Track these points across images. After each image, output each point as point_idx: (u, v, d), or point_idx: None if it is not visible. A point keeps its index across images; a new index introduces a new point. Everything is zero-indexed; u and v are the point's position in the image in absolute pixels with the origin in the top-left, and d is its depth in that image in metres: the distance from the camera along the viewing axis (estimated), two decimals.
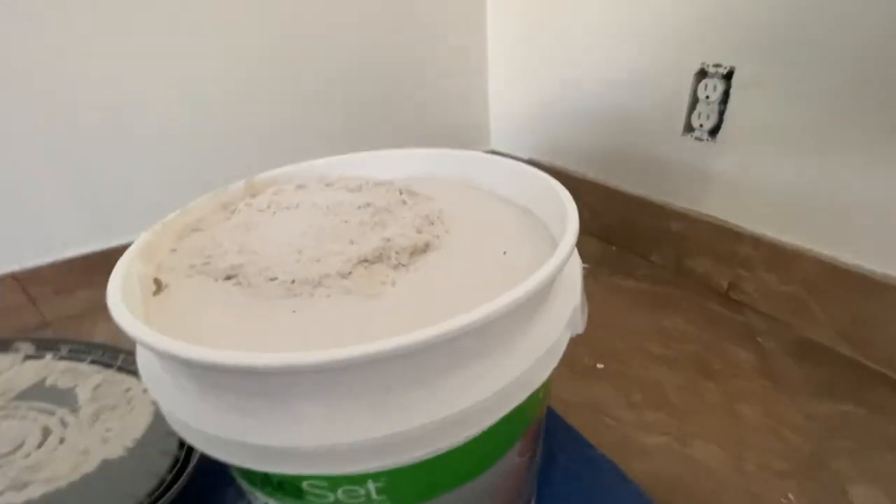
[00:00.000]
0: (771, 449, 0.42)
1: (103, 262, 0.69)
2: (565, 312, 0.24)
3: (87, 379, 0.40)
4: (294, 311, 0.24)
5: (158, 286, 0.27)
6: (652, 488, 0.39)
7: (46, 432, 0.36)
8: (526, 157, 0.94)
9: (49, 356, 0.42)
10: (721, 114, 0.58)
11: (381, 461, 0.19)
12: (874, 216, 0.48)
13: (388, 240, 0.28)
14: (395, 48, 0.84)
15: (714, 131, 0.59)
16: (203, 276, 0.28)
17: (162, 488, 0.32)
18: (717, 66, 0.56)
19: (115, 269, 0.26)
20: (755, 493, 0.39)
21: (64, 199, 0.65)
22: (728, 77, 0.56)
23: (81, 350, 0.43)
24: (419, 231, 0.30)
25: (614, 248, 0.78)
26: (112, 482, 0.33)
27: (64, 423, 0.37)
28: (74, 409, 0.38)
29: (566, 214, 0.26)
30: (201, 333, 0.23)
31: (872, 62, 0.45)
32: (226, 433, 0.19)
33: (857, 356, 0.51)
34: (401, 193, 0.36)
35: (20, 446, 0.34)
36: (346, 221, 0.32)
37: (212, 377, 0.19)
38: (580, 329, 0.26)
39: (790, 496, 0.38)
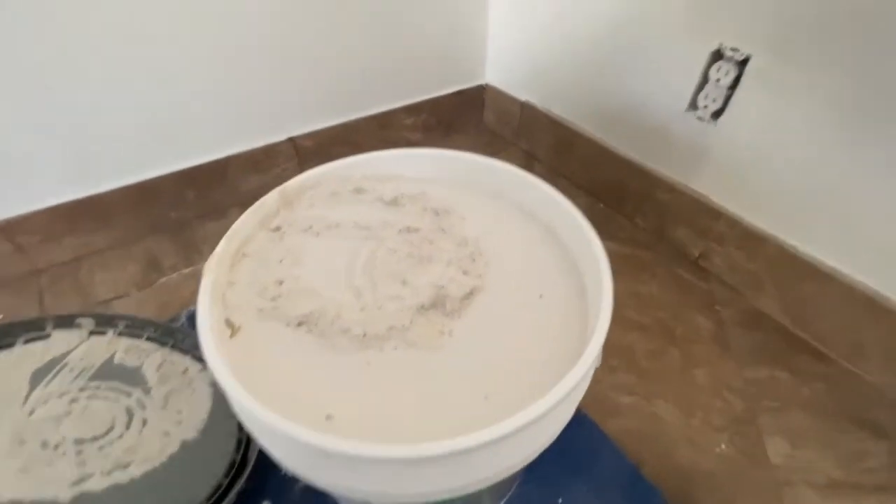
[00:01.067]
0: (714, 407, 0.53)
1: (87, 208, 0.67)
2: (595, 356, 0.27)
3: (148, 357, 0.45)
4: (369, 363, 0.28)
5: (232, 328, 0.30)
6: (623, 440, 0.49)
7: (130, 413, 0.41)
8: (522, 98, 0.91)
9: (110, 332, 0.46)
10: (727, 99, 0.59)
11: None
12: (840, 214, 0.54)
13: (442, 287, 0.32)
14: None
15: (717, 114, 0.61)
16: (274, 320, 0.30)
17: (234, 469, 0.38)
18: (735, 50, 0.56)
19: (199, 322, 0.28)
20: (698, 443, 0.50)
21: (44, 146, 0.61)
22: (743, 64, 0.56)
23: (137, 326, 0.47)
24: (465, 272, 0.33)
25: (601, 205, 0.82)
26: (194, 462, 0.39)
27: (142, 405, 0.42)
28: (147, 390, 0.43)
29: (601, 285, 0.29)
30: (290, 388, 0.27)
31: (880, 72, 0.47)
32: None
33: (794, 328, 0.62)
34: (437, 215, 0.38)
35: (112, 427, 0.40)
36: (392, 251, 0.35)
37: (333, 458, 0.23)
38: (600, 362, 0.32)
39: (722, 446, 0.50)
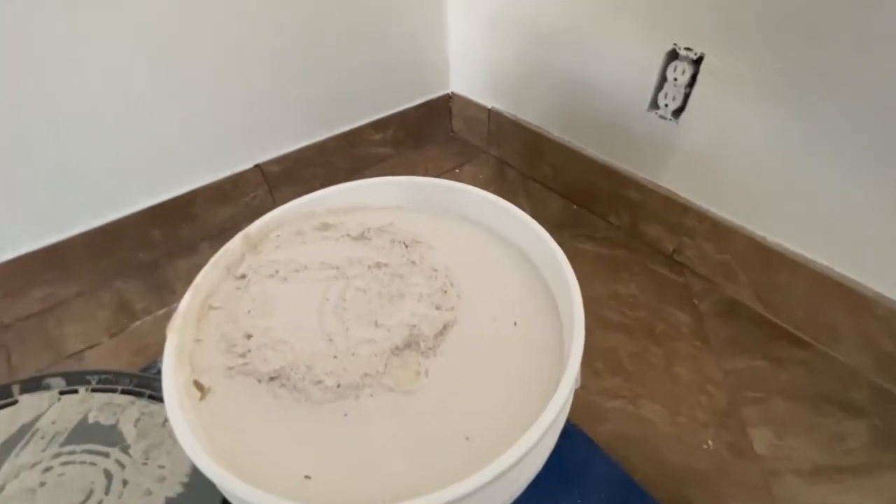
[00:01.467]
0: (698, 403, 0.54)
1: (49, 257, 0.65)
2: (574, 378, 0.27)
3: (124, 412, 0.44)
4: (346, 415, 0.28)
5: (201, 390, 0.29)
6: (613, 447, 0.50)
7: (108, 476, 0.40)
8: (489, 105, 0.91)
9: (82, 390, 0.45)
10: (686, 97, 0.60)
11: None
12: (803, 202, 0.56)
13: (414, 326, 0.31)
14: None
15: (678, 112, 0.62)
16: (245, 376, 0.30)
17: None
18: (689, 49, 0.57)
19: (165, 389, 0.27)
20: (686, 441, 0.51)
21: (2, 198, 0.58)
22: (697, 62, 0.57)
23: (110, 380, 0.46)
24: (438, 307, 0.33)
25: (575, 206, 0.83)
26: None
27: (121, 465, 0.41)
28: (125, 448, 0.42)
29: (573, 318, 0.29)
30: (266, 448, 0.26)
31: (826, 66, 0.48)
32: None
33: (768, 314, 0.63)
34: (406, 247, 0.37)
35: (91, 493, 0.39)
36: (362, 290, 0.34)
37: None
38: (579, 383, 0.32)
39: (710, 442, 0.51)
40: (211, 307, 0.33)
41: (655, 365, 0.59)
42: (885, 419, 0.52)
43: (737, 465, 0.49)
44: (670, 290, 0.68)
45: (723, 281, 0.67)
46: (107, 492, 0.39)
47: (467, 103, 0.96)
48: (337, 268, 0.36)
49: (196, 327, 0.32)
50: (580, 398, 0.55)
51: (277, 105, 0.76)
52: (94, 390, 0.46)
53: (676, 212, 0.68)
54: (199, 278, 0.34)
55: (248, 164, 0.78)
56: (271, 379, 0.29)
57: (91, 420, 0.44)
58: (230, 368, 0.30)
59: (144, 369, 0.56)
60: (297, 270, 0.36)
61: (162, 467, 0.41)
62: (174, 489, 0.40)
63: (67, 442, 0.42)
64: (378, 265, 0.36)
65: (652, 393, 0.56)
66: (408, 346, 0.31)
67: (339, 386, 0.28)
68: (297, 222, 0.40)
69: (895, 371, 0.55)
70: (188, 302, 0.32)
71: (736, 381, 0.57)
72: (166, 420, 0.45)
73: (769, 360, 0.59)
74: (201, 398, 0.29)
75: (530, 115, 0.86)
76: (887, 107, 0.46)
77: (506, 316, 0.33)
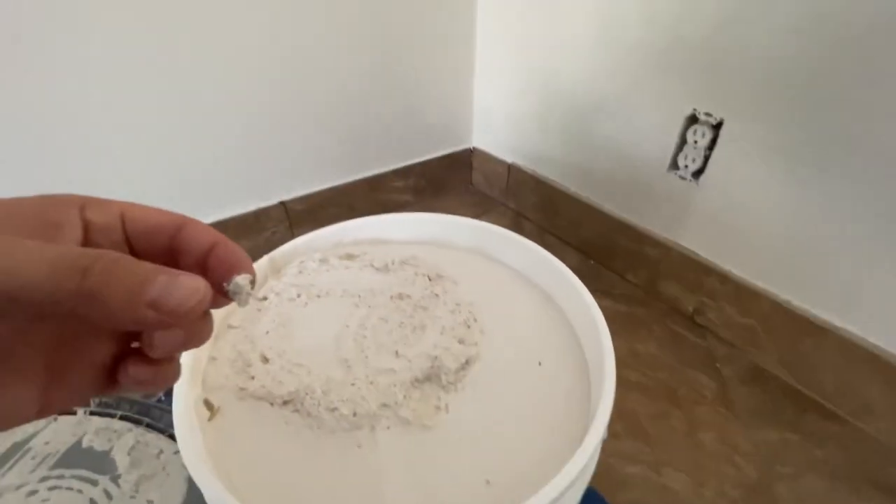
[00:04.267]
0: (726, 475, 0.50)
1: None
2: (604, 426, 0.26)
3: (120, 439, 0.42)
4: (360, 447, 0.26)
5: (211, 410, 0.28)
6: None
7: None
8: (509, 160, 0.94)
9: (80, 411, 0.43)
10: (706, 159, 0.61)
11: None
12: (828, 268, 0.55)
13: (436, 358, 0.30)
14: (385, 50, 0.80)
15: (698, 173, 0.63)
16: (257, 399, 0.28)
17: None
18: (708, 115, 0.59)
19: (175, 405, 0.26)
20: None
21: None
22: (717, 127, 0.59)
23: (110, 404, 0.44)
24: (461, 341, 0.32)
25: (592, 261, 0.83)
26: None
27: (108, 495, 0.38)
28: (115, 478, 0.39)
29: (603, 361, 0.28)
30: (271, 475, 0.25)
31: (840, 134, 0.49)
32: None
33: (796, 384, 0.60)
34: (430, 280, 0.37)
35: None
36: (384, 319, 0.33)
37: None
38: (606, 435, 0.30)
39: None
40: (229, 326, 0.33)
41: (678, 430, 0.55)
42: None
43: None
44: (691, 351, 0.66)
45: (748, 346, 0.65)
46: None
47: (487, 158, 1.00)
48: (359, 296, 0.36)
49: (212, 345, 0.31)
50: (598, 460, 0.51)
51: (307, 148, 0.80)
52: (92, 413, 0.44)
53: (697, 272, 0.67)
54: None
55: (274, 201, 0.80)
56: (284, 403, 0.28)
57: (85, 444, 0.42)
58: (242, 389, 0.29)
59: (146, 395, 0.54)
60: (319, 296, 0.36)
61: (150, 502, 0.39)
62: None
63: (58, 465, 0.39)
64: (401, 296, 0.35)
65: (675, 460, 0.52)
66: (428, 378, 0.30)
67: (354, 414, 0.27)
68: (322, 250, 0.40)
69: None
70: None
71: (766, 453, 0.53)
72: (161, 452, 0.43)
73: (801, 434, 0.55)
74: (210, 418, 0.28)
75: (549, 171, 0.88)
76: None
77: (530, 355, 0.32)
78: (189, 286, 0.12)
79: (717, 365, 0.64)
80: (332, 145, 0.83)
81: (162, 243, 0.16)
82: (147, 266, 0.12)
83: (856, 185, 0.50)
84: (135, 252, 0.16)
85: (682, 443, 0.54)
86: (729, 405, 0.58)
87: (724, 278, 0.64)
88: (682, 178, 0.65)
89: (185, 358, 0.29)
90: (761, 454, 0.53)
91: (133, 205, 0.16)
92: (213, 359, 0.31)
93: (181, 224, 0.16)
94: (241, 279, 0.15)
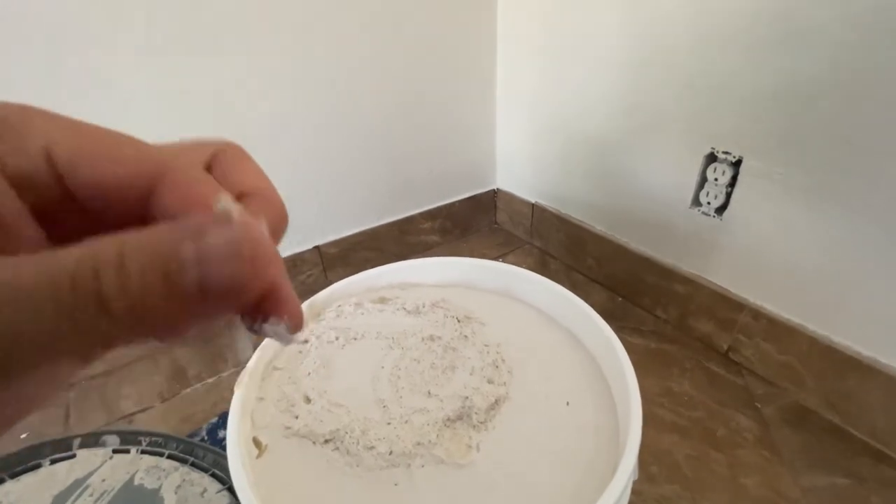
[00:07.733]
0: None
1: None
2: (632, 464, 0.26)
3: (168, 478, 0.45)
4: (396, 484, 0.28)
5: (259, 447, 0.30)
6: None
7: None
8: (532, 200, 0.97)
9: (133, 450, 0.46)
10: (728, 195, 0.62)
11: None
12: (867, 302, 0.54)
13: (467, 398, 0.31)
14: (413, 103, 0.86)
15: (721, 209, 0.64)
16: (300, 438, 0.30)
17: None
18: (727, 153, 0.61)
19: (229, 440, 0.28)
20: None
21: None
22: (737, 164, 0.60)
23: (160, 444, 0.47)
24: (490, 381, 0.33)
25: (620, 298, 0.83)
26: None
27: None
28: None
29: (628, 398, 0.29)
30: None
31: (858, 168, 0.50)
32: None
33: (844, 425, 0.57)
34: (458, 322, 0.39)
35: None
36: (416, 360, 0.35)
37: None
38: (636, 475, 0.30)
39: None
40: (275, 368, 0.35)
41: (718, 473, 0.53)
42: None
43: None
44: (728, 390, 0.64)
45: (788, 385, 0.62)
46: None
47: (511, 198, 1.03)
48: (392, 338, 0.38)
49: (259, 386, 0.34)
50: (633, 503, 0.50)
51: (341, 193, 0.85)
52: (143, 452, 0.47)
53: (728, 308, 0.67)
54: (266, 340, 0.36)
55: (309, 246, 0.85)
56: (325, 441, 0.30)
57: (136, 482, 0.44)
58: (287, 428, 0.31)
59: (190, 436, 0.57)
60: (356, 339, 0.38)
61: None
62: None
63: (113, 502, 0.42)
64: (432, 338, 0.37)
65: None
66: (460, 417, 0.31)
67: (391, 453, 0.28)
68: (357, 295, 0.43)
69: None
70: (255, 361, 0.34)
71: (816, 500, 0.50)
72: (205, 490, 0.45)
73: (853, 479, 0.52)
74: (258, 455, 0.30)
75: (573, 211, 0.90)
76: None
77: (558, 395, 0.33)
78: None
79: (757, 404, 0.62)
80: (364, 190, 0.88)
81: (130, 205, 0.10)
82: None
83: (881, 222, 0.50)
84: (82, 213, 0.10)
85: (723, 487, 0.52)
86: (772, 448, 0.56)
87: (756, 314, 0.63)
88: (706, 214, 0.65)
89: (237, 396, 0.31)
90: (810, 501, 0.50)
91: (71, 127, 0.10)
92: (260, 399, 0.33)
93: (158, 173, 0.10)
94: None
